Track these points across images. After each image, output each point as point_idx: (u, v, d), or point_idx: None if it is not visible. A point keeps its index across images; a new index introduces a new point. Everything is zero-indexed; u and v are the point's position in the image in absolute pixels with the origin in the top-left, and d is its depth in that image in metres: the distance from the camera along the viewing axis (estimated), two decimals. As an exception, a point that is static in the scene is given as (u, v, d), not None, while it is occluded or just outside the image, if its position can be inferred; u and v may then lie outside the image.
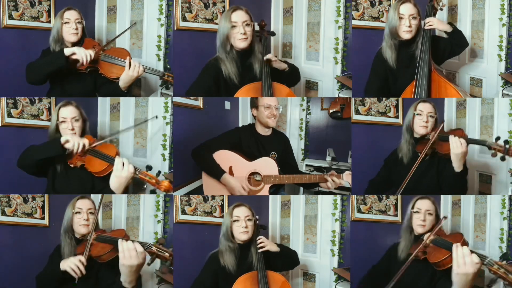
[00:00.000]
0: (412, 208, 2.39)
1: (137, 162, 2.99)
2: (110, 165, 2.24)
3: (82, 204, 2.33)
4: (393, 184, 2.64)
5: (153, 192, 2.52)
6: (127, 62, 2.48)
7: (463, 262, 1.90)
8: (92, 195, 2.89)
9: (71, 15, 2.51)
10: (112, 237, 2.20)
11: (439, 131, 2.43)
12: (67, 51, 2.43)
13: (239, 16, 2.51)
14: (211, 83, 2.57)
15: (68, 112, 2.37)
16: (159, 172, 2.25)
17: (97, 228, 2.32)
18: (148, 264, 2.02)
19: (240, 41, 2.52)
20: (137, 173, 2.19)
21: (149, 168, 2.24)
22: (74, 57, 2.44)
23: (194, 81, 2.63)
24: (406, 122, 2.57)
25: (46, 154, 2.27)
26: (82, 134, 2.42)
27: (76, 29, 2.50)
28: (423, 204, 2.37)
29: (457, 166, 2.34)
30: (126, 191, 2.26)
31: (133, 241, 2.04)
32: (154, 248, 2.03)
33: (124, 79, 2.51)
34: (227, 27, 2.52)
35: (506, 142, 2.25)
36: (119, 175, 2.18)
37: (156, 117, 2.86)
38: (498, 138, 2.28)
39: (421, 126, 2.50)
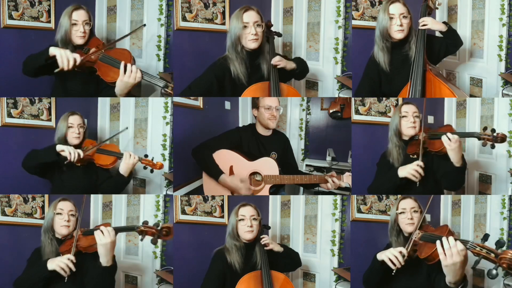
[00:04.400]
0: (397, 209, 2.37)
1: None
2: (116, 158, 2.62)
3: (64, 206, 2.40)
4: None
5: (151, 171, 2.70)
6: (122, 67, 2.35)
7: (450, 254, 1.94)
8: (93, 196, 2.89)
9: (79, 17, 2.46)
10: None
11: (425, 130, 2.47)
12: (51, 51, 2.35)
13: (251, 17, 2.50)
14: (214, 81, 2.56)
15: (75, 120, 2.61)
16: (153, 158, 2.68)
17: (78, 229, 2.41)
18: (141, 240, 2.25)
19: (251, 42, 2.51)
20: (140, 160, 2.62)
21: (146, 156, 2.66)
22: (58, 61, 2.34)
23: (198, 77, 2.61)
24: (393, 126, 2.57)
25: (44, 159, 2.50)
26: (83, 139, 2.64)
27: (84, 32, 2.45)
28: (407, 203, 2.36)
29: (456, 161, 2.37)
30: (130, 174, 2.63)
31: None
32: (142, 227, 2.24)
33: (119, 86, 2.39)
34: (238, 27, 2.50)
35: (493, 130, 2.32)
36: (128, 163, 2.58)
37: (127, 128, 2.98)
38: (485, 128, 2.34)
39: (409, 127, 2.52)
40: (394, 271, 2.17)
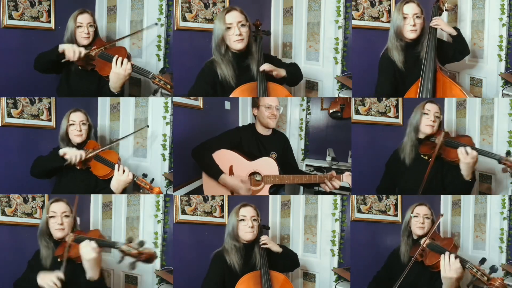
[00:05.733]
0: (412, 212, 2.51)
1: (137, 162, 2.99)
2: (112, 170, 2.48)
3: (57, 208, 2.34)
4: (397, 187, 2.68)
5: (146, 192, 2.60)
6: (114, 59, 2.44)
7: (449, 269, 2.21)
8: (93, 196, 2.89)
9: (84, 19, 2.58)
10: (89, 237, 2.24)
11: (444, 136, 2.47)
12: (60, 48, 2.50)
13: (234, 17, 2.46)
14: (208, 88, 2.55)
15: (77, 117, 2.58)
16: (153, 179, 2.53)
17: (75, 228, 2.37)
18: (119, 262, 2.16)
19: (236, 43, 2.47)
20: (135, 179, 2.47)
21: (144, 175, 2.51)
22: (66, 53, 2.49)
23: (192, 86, 2.60)
24: (414, 122, 2.58)
25: (50, 165, 2.52)
26: (87, 138, 2.61)
27: (88, 33, 2.58)
28: (421, 210, 2.51)
29: (466, 175, 2.42)
30: (124, 191, 2.52)
31: (90, 239, 2.20)
32: (124, 247, 2.13)
33: (112, 78, 2.46)
34: (221, 29, 2.47)
35: None
36: (119, 179, 2.45)
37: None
38: (508, 153, 2.36)
39: (427, 125, 2.53)
40: None
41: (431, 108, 2.54)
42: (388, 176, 2.72)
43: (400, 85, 2.65)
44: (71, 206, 2.37)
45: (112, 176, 2.49)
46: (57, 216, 2.32)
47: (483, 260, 2.20)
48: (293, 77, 2.69)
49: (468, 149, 2.37)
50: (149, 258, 2.13)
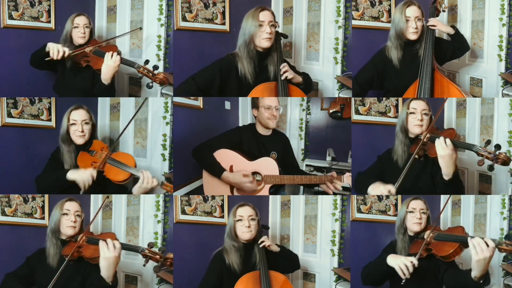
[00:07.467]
0: (407, 208, 2.43)
1: (137, 162, 2.98)
2: (131, 175, 2.45)
3: (70, 206, 2.39)
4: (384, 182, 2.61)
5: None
6: (107, 53, 2.59)
7: (480, 249, 2.06)
8: (93, 196, 2.89)
9: (81, 21, 2.71)
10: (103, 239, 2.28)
11: (429, 130, 2.38)
12: (47, 47, 2.59)
13: (266, 16, 2.54)
14: (217, 74, 2.58)
15: (79, 115, 2.54)
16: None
17: (83, 230, 2.41)
18: (144, 265, 2.28)
19: (264, 40, 2.54)
20: (159, 184, 2.49)
21: (168, 179, 2.60)
22: (50, 52, 2.58)
23: (202, 68, 2.63)
24: (399, 122, 2.52)
25: (57, 188, 2.51)
26: (91, 138, 2.57)
27: (84, 33, 2.70)
28: (417, 204, 2.43)
29: (446, 173, 2.30)
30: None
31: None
32: (146, 251, 2.26)
33: (103, 70, 2.59)
34: (254, 26, 2.53)
35: (497, 147, 2.20)
36: (146, 187, 2.45)
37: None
38: (488, 142, 2.23)
39: (415, 125, 2.46)
40: (403, 282, 2.20)
41: (417, 106, 2.46)
42: (376, 168, 2.63)
43: (391, 82, 2.67)
44: (82, 207, 2.42)
45: (130, 180, 2.49)
46: (70, 214, 2.37)
47: (508, 236, 2.12)
48: (308, 85, 2.75)
49: (442, 139, 2.25)
50: (173, 263, 2.27)
